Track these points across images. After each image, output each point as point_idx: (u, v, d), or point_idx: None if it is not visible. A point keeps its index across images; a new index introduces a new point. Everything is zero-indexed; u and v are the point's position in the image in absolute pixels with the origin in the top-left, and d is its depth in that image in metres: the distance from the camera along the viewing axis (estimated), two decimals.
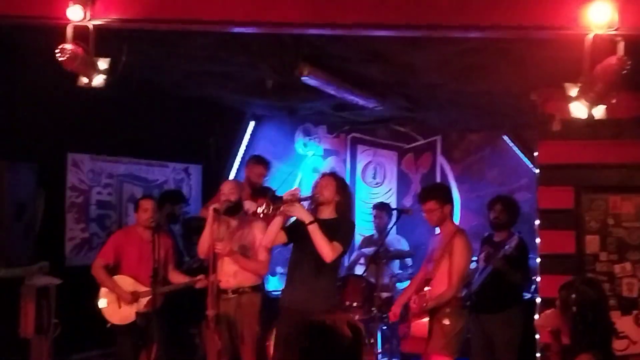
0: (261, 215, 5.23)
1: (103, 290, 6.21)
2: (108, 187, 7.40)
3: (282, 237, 5.42)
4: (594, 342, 3.45)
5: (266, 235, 5.47)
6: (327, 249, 5.15)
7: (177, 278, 6.36)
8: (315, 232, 5.14)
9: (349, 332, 2.63)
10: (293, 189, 5.38)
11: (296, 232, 5.35)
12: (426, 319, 5.61)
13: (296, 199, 5.20)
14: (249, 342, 5.80)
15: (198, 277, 6.09)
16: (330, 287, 5.38)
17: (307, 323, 2.73)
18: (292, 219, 5.37)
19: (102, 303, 6.19)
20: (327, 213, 5.39)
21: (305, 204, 5.34)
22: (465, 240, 5.63)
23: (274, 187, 7.60)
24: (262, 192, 7.06)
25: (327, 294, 5.31)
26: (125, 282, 6.20)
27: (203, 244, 5.81)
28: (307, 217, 5.18)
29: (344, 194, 5.47)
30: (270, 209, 5.14)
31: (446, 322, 5.50)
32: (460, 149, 9.15)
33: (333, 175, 5.64)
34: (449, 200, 5.79)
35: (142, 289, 6.14)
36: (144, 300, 6.14)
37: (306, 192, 5.53)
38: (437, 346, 5.50)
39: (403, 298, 5.95)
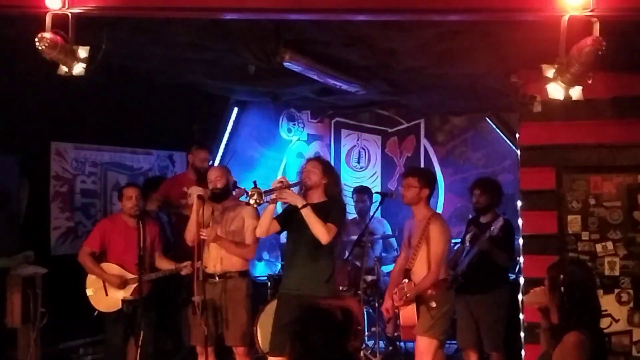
0: (255, 206, 5.25)
1: (90, 277, 6.22)
2: (92, 175, 7.39)
3: (276, 226, 5.50)
4: (582, 321, 3.52)
5: (259, 226, 5.50)
6: (322, 231, 5.24)
7: (164, 264, 6.38)
8: (309, 215, 5.23)
9: (340, 316, 2.66)
10: (280, 177, 5.38)
11: (289, 219, 5.42)
12: (413, 307, 5.63)
13: (285, 185, 5.23)
14: (234, 327, 5.83)
15: (184, 264, 6.12)
16: (329, 270, 5.45)
17: (301, 307, 2.78)
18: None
19: (89, 291, 6.21)
20: (317, 197, 5.46)
21: (295, 190, 5.40)
22: (440, 225, 5.61)
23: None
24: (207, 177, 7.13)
25: (326, 277, 5.41)
26: (111, 269, 6.21)
27: (190, 231, 5.83)
28: (299, 202, 5.26)
29: (331, 176, 5.54)
30: (262, 199, 5.16)
31: (432, 304, 5.53)
32: (443, 132, 9.19)
33: (318, 159, 5.72)
34: (430, 185, 5.76)
35: (129, 276, 6.17)
36: (131, 287, 6.16)
37: (291, 178, 5.58)
38: (422, 328, 5.55)
39: (391, 289, 5.93)
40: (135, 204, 6.22)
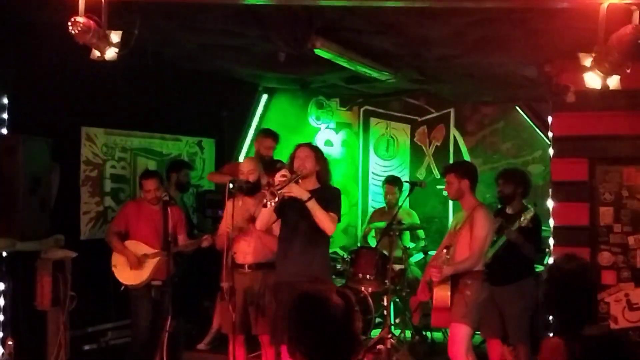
0: (273, 206, 5.22)
1: (115, 254, 6.37)
2: (122, 160, 7.42)
3: (273, 216, 5.50)
4: (568, 326, 3.31)
5: (260, 220, 5.50)
6: (328, 223, 5.27)
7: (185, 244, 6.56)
8: (314, 207, 5.22)
9: (340, 300, 2.64)
10: (282, 171, 5.30)
11: (283, 208, 5.40)
12: (447, 292, 5.64)
13: (289, 179, 5.19)
14: (261, 316, 5.84)
15: (204, 237, 6.27)
16: (326, 257, 5.54)
17: (296, 295, 2.74)
18: None
19: (114, 265, 6.39)
20: (311, 184, 5.44)
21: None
22: (485, 213, 5.71)
23: (284, 161, 7.67)
24: (272, 165, 7.15)
25: (323, 264, 5.47)
26: (137, 246, 6.37)
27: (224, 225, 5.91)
28: (304, 195, 5.23)
29: (323, 162, 5.54)
30: (276, 197, 5.11)
31: (468, 293, 5.59)
32: (473, 121, 9.11)
33: (309, 145, 5.68)
34: (467, 175, 5.83)
35: (151, 251, 6.35)
36: (152, 262, 6.30)
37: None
38: (458, 315, 5.58)
39: (431, 262, 5.99)
40: (154, 195, 6.39)
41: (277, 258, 5.59)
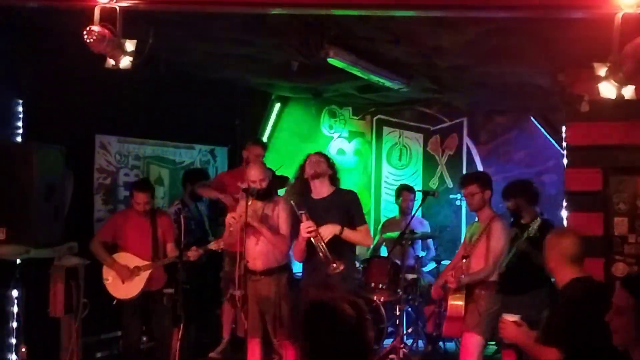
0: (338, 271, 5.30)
1: (105, 267, 6.31)
2: (135, 168, 7.44)
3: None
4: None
5: (297, 256, 5.62)
6: (364, 240, 5.58)
7: (174, 253, 6.41)
8: (348, 235, 5.38)
9: (351, 310, 2.63)
10: (305, 227, 5.36)
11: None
12: (461, 302, 5.62)
13: (313, 225, 5.29)
14: (277, 321, 5.83)
15: (213, 241, 6.26)
16: (350, 266, 5.54)
17: (307, 303, 2.73)
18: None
19: (106, 279, 6.30)
20: (326, 188, 5.54)
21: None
22: (503, 224, 5.68)
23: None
24: None
25: (348, 273, 5.43)
26: (127, 258, 6.29)
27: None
28: (337, 229, 5.36)
29: (334, 168, 5.65)
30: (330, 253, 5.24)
31: (481, 303, 5.57)
32: (486, 130, 9.10)
33: (319, 153, 5.81)
34: (489, 186, 5.79)
35: (142, 263, 6.28)
36: (145, 274, 6.25)
37: None
38: (470, 324, 5.56)
39: (441, 280, 5.96)
40: (144, 208, 6.33)
41: (305, 268, 5.70)
